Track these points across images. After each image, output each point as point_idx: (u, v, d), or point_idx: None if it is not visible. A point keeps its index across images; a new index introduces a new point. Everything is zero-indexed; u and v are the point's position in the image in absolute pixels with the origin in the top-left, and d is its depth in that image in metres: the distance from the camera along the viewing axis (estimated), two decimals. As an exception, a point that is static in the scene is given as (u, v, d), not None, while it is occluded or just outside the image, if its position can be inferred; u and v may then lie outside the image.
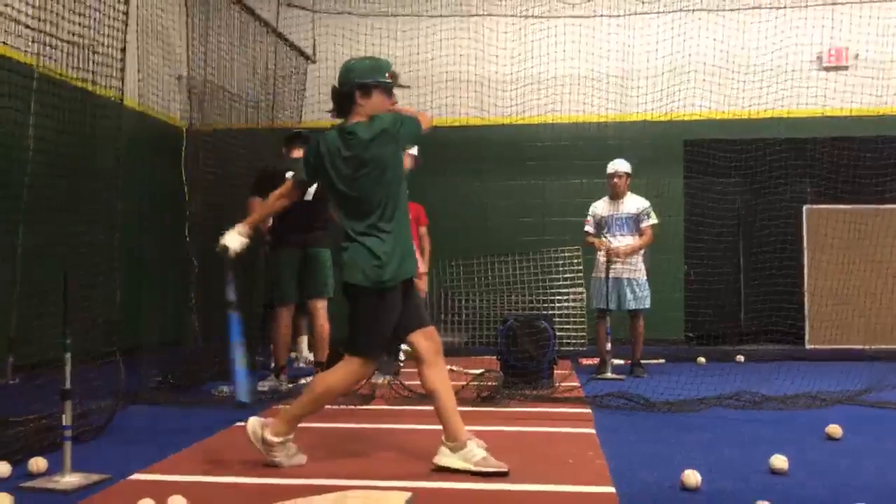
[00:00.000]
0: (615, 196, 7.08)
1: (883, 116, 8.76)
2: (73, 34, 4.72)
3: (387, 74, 3.72)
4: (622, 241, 6.97)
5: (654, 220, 7.02)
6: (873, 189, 8.38)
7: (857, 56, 9.11)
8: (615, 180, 7.03)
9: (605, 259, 6.97)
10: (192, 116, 6.59)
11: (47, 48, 4.57)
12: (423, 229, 8.24)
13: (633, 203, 7.06)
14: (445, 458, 3.63)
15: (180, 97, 7.15)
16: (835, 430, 4.35)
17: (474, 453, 3.61)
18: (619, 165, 7.07)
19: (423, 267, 8.19)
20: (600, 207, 7.17)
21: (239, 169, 6.98)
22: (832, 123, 8.64)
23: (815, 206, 9.23)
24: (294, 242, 5.96)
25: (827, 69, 9.21)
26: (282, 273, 5.99)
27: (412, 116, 3.83)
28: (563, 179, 9.22)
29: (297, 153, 6.12)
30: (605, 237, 7.03)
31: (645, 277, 7.05)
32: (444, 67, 9.19)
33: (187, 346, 6.30)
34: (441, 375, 3.73)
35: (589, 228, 7.18)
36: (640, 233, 7.01)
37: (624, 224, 7.02)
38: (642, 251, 7.06)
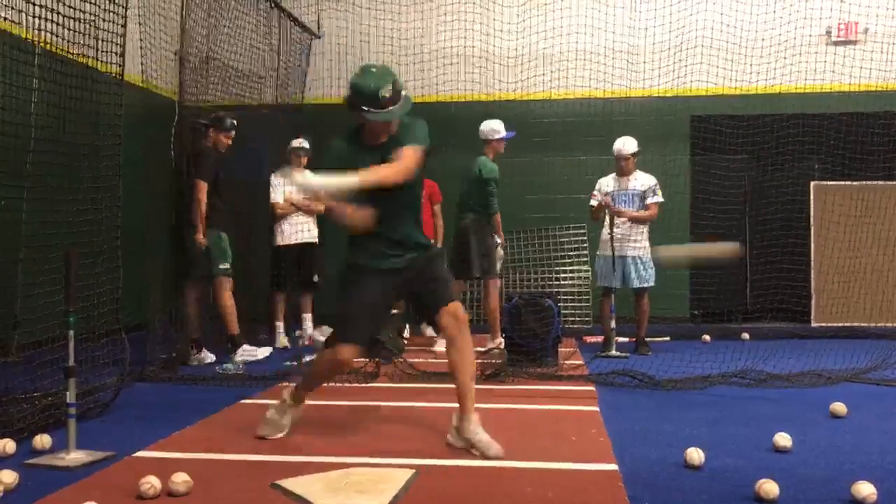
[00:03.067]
0: (622, 173, 7.03)
1: (892, 92, 8.66)
2: (75, 9, 4.67)
3: (375, 101, 3.44)
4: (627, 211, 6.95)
5: (659, 197, 6.98)
6: (881, 165, 8.30)
7: (866, 30, 8.99)
8: (622, 163, 6.98)
9: (608, 231, 6.92)
10: (187, 91, 6.55)
11: (49, 24, 4.52)
12: (437, 207, 8.23)
13: (641, 180, 7.01)
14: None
15: (182, 73, 7.09)
16: (839, 408, 4.34)
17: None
18: (626, 146, 6.98)
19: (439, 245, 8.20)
20: (607, 183, 7.12)
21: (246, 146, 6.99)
22: (840, 99, 8.54)
23: (822, 183, 9.15)
24: (225, 224, 6.29)
25: (836, 44, 9.09)
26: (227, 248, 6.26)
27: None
28: (568, 156, 9.15)
29: (227, 140, 6.31)
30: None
31: (649, 255, 7.01)
32: (448, 43, 9.10)
33: (190, 325, 6.31)
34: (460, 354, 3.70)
35: (595, 203, 7.13)
36: (646, 209, 6.97)
37: (630, 201, 6.97)
38: (646, 227, 7.02)
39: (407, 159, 3.51)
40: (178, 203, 6.35)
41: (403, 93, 3.54)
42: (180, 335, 6.28)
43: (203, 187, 6.08)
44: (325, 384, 4.01)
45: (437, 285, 3.73)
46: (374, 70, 3.54)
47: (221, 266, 6.22)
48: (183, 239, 6.27)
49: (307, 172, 3.45)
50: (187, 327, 6.23)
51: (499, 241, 7.07)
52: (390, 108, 3.48)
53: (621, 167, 7.00)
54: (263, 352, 6.42)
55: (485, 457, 3.49)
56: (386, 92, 3.45)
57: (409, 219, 3.72)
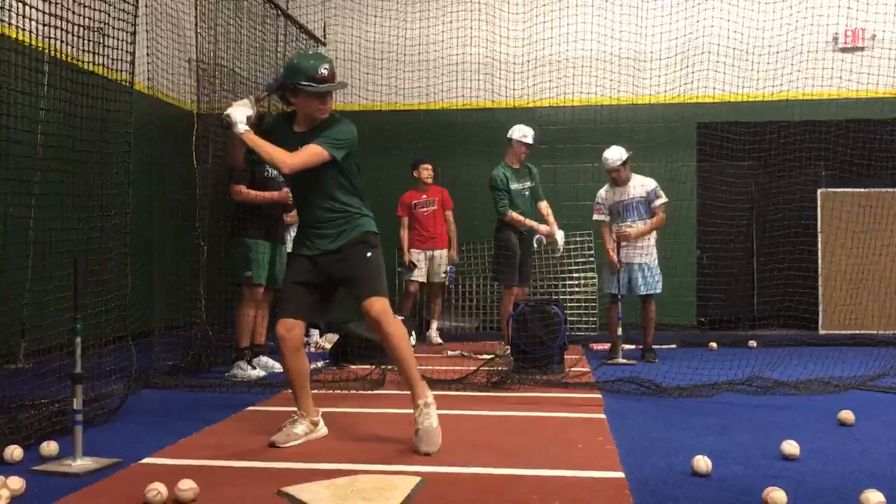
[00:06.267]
0: (618, 184, 6.96)
1: (900, 98, 8.66)
2: (84, 17, 4.70)
3: (313, 77, 3.73)
4: (634, 227, 6.90)
5: (664, 198, 6.93)
6: (889, 172, 8.28)
7: (873, 37, 8.98)
8: (613, 174, 6.93)
9: (614, 246, 6.90)
10: (202, 100, 6.57)
11: (58, 32, 4.55)
12: (449, 213, 8.24)
13: (640, 186, 6.94)
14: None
15: (191, 81, 7.13)
16: (847, 415, 4.32)
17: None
18: (612, 157, 6.87)
19: (452, 253, 8.23)
20: (607, 195, 7.06)
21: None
22: (848, 105, 8.53)
23: (829, 190, 9.14)
24: (270, 235, 6.14)
25: (843, 50, 9.09)
26: (261, 259, 6.07)
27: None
28: (574, 163, 9.15)
29: None
30: (619, 225, 6.94)
31: (656, 262, 7.00)
32: (454, 50, 9.13)
33: (198, 331, 6.31)
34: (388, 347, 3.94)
35: (601, 217, 7.07)
36: (653, 214, 6.93)
37: (634, 209, 6.92)
38: (654, 234, 6.99)
39: (301, 155, 3.76)
40: (216, 211, 6.32)
41: (339, 78, 3.86)
42: (196, 340, 6.27)
43: (239, 189, 5.98)
44: (297, 377, 3.97)
45: (352, 287, 3.92)
46: (310, 52, 3.85)
47: (246, 274, 6.04)
48: (227, 247, 6.26)
49: (240, 107, 3.77)
50: (238, 335, 6.12)
51: (537, 236, 7.05)
52: (327, 84, 3.76)
53: (614, 178, 6.95)
54: (254, 374, 6.01)
55: (416, 451, 3.67)
56: (324, 69, 3.75)
57: (325, 208, 3.89)
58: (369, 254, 3.92)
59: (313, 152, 3.77)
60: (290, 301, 3.94)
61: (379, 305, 3.83)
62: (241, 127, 3.71)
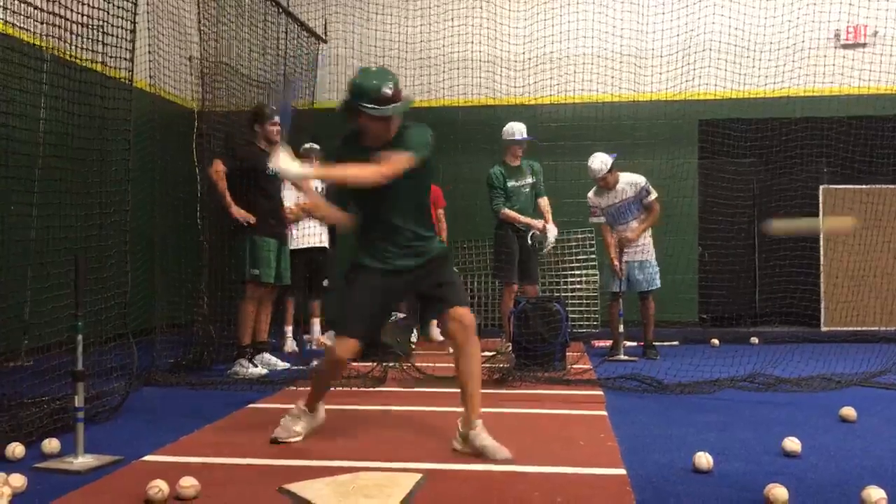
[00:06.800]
0: (609, 188, 6.91)
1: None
2: (84, 15, 4.70)
3: (377, 98, 3.47)
4: (631, 226, 6.89)
5: (654, 193, 6.92)
6: (890, 169, 8.26)
7: (875, 33, 8.96)
8: (601, 182, 6.90)
9: (616, 252, 6.88)
10: (205, 98, 6.56)
11: (58, 30, 4.55)
12: (441, 212, 8.24)
13: (629, 185, 6.88)
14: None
15: (192, 78, 7.13)
16: (849, 412, 4.32)
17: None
18: (596, 169, 6.82)
19: None
20: (598, 199, 7.02)
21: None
22: (849, 102, 8.52)
23: (831, 187, 9.12)
24: (276, 233, 6.09)
25: (845, 46, 9.07)
26: (268, 256, 6.02)
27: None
28: (576, 160, 9.12)
29: (276, 128, 5.97)
30: (617, 230, 6.92)
31: (654, 257, 6.99)
32: (456, 47, 9.12)
33: (199, 328, 6.32)
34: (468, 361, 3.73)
35: (597, 219, 7.08)
36: (648, 209, 6.92)
37: (627, 211, 6.90)
38: (648, 231, 6.98)
39: (386, 163, 3.47)
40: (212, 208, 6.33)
41: (404, 93, 3.59)
42: (198, 337, 6.26)
43: (217, 169, 5.90)
44: (331, 386, 3.99)
45: (441, 290, 3.74)
46: (374, 70, 3.64)
47: (253, 271, 5.96)
48: (228, 243, 6.26)
49: (284, 156, 3.43)
50: (240, 332, 6.07)
51: (532, 232, 7.00)
52: (391, 105, 3.51)
53: (601, 185, 6.92)
54: (256, 371, 5.95)
55: (494, 461, 3.49)
56: (387, 89, 3.49)
57: (412, 220, 3.72)
58: (454, 269, 3.88)
59: (401, 157, 3.49)
60: (361, 320, 3.70)
61: (471, 316, 3.75)
62: (299, 171, 3.47)
